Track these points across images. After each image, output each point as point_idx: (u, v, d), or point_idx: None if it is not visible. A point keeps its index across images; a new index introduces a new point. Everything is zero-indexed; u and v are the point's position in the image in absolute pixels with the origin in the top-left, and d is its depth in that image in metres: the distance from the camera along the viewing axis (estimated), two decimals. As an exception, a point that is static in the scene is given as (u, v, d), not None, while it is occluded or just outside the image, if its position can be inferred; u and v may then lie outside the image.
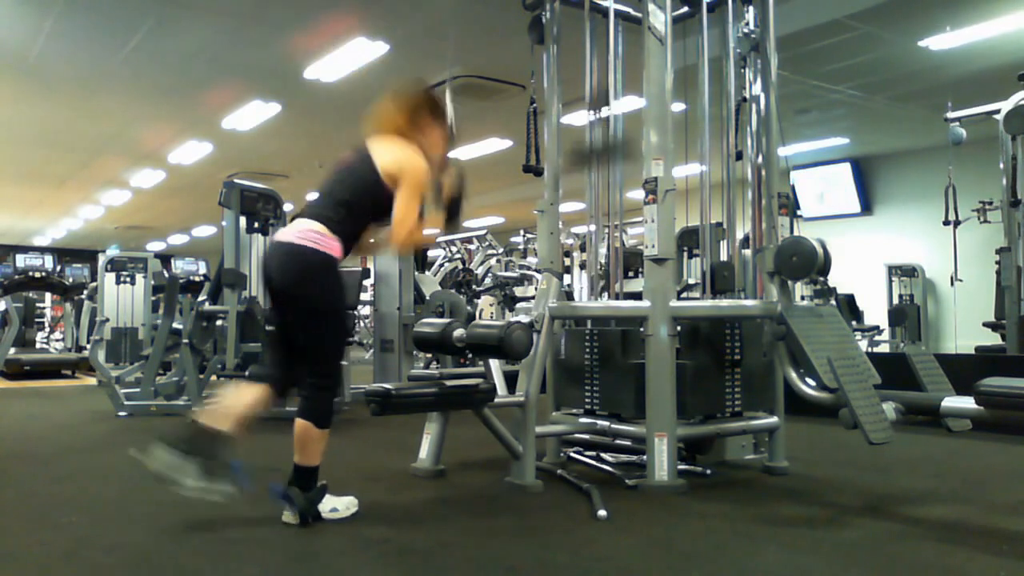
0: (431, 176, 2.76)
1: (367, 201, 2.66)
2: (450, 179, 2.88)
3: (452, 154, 2.95)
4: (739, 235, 3.82)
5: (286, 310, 2.65)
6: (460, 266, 9.19)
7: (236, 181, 5.71)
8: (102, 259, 8.19)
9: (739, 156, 3.64)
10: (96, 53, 6.72)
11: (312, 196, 2.74)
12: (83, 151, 10.41)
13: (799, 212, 10.14)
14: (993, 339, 6.62)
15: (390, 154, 2.67)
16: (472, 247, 9.83)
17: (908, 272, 10.05)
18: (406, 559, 2.26)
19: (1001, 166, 5.83)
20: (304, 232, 2.57)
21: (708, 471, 3.39)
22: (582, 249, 7.99)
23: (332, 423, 2.61)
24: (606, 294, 3.93)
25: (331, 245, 2.58)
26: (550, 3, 3.63)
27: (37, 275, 10.27)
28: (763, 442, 3.59)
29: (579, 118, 3.74)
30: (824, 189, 10.81)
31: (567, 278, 8.27)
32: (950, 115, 6.30)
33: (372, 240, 2.81)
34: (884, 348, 9.25)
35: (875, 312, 9.80)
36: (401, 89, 2.81)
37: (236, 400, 2.60)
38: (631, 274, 6.10)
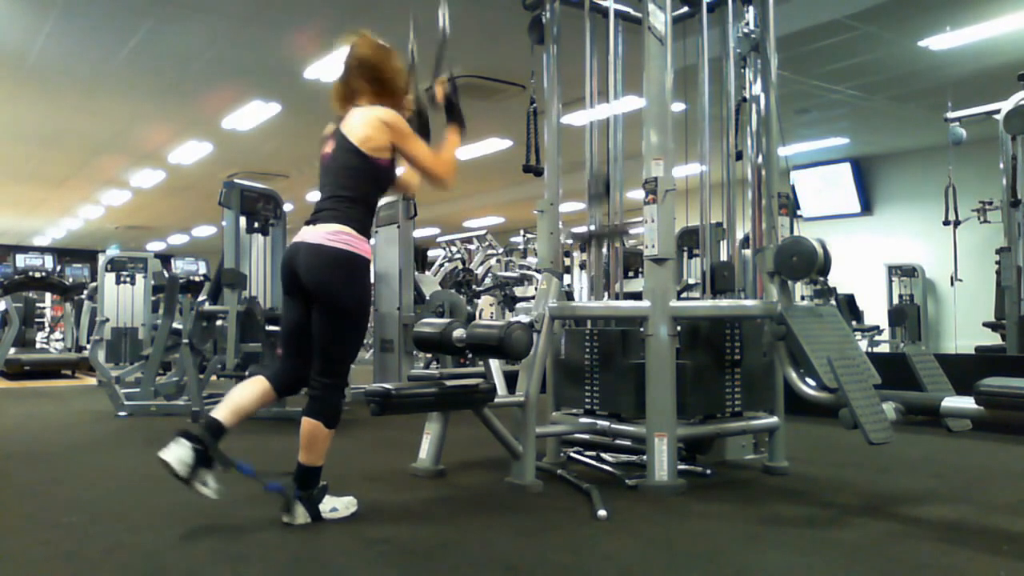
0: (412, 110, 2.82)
1: (367, 186, 2.67)
2: (440, 89, 2.88)
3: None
4: (739, 235, 3.82)
5: (311, 308, 2.60)
6: (460, 266, 9.19)
7: (236, 181, 5.70)
8: (102, 259, 8.19)
9: (739, 156, 3.64)
10: (96, 53, 6.73)
11: (318, 196, 2.71)
12: (83, 151, 10.41)
13: (799, 212, 10.14)
14: (993, 339, 6.62)
15: (362, 130, 2.63)
16: (472, 247, 9.83)
17: (908, 272, 10.04)
18: (406, 559, 2.26)
19: (1001, 166, 5.82)
20: (335, 234, 2.56)
21: (708, 471, 3.39)
22: (582, 249, 7.99)
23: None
24: (606, 294, 3.93)
25: (362, 247, 2.60)
26: (550, 3, 3.63)
27: (37, 275, 10.26)
28: (763, 442, 3.59)
29: (579, 118, 3.74)
30: (824, 189, 10.80)
31: (567, 278, 8.26)
32: (950, 115, 6.30)
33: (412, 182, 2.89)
34: (884, 348, 9.25)
35: (875, 312, 9.80)
36: (351, 54, 2.76)
37: (240, 395, 2.61)
38: (631, 274, 6.10)
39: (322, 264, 2.56)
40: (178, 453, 2.41)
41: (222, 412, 2.54)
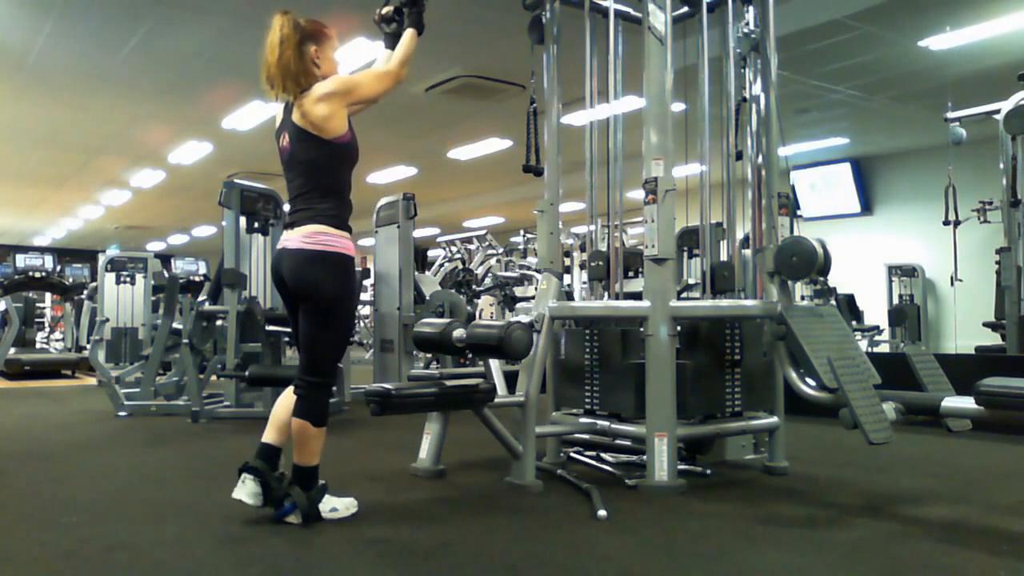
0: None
1: (335, 172, 2.66)
2: None
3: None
4: (739, 235, 3.82)
5: (299, 308, 2.64)
6: (460, 266, 9.19)
7: (236, 181, 5.70)
8: (102, 259, 8.19)
9: (739, 156, 3.64)
10: (96, 53, 6.72)
11: (293, 196, 2.68)
12: (83, 151, 10.41)
13: (799, 212, 10.14)
14: (993, 339, 6.62)
15: (316, 113, 2.57)
16: (472, 247, 9.84)
17: (908, 272, 10.05)
18: (406, 559, 2.26)
19: (1001, 166, 5.83)
20: (311, 236, 2.57)
21: (708, 471, 3.39)
22: (582, 249, 8.00)
23: (329, 421, 2.63)
24: (606, 294, 3.93)
25: (341, 244, 2.60)
26: (550, 3, 3.63)
27: (37, 275, 10.28)
28: (763, 442, 3.59)
29: (579, 118, 3.74)
30: (824, 189, 10.81)
31: (567, 278, 8.26)
32: (950, 115, 6.30)
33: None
34: (884, 348, 9.25)
35: (875, 312, 9.80)
36: (270, 44, 2.62)
37: (279, 411, 2.67)
38: (631, 274, 6.10)
39: (302, 267, 2.57)
40: (248, 489, 2.57)
41: (269, 434, 2.65)
